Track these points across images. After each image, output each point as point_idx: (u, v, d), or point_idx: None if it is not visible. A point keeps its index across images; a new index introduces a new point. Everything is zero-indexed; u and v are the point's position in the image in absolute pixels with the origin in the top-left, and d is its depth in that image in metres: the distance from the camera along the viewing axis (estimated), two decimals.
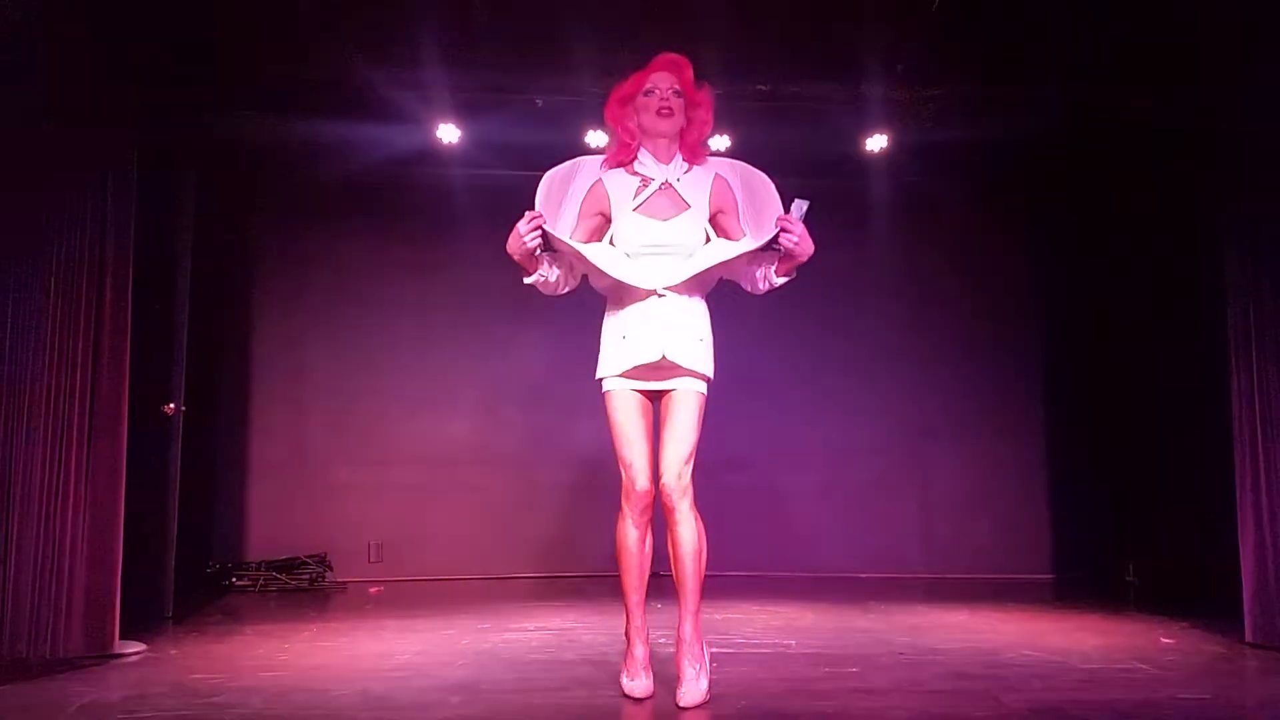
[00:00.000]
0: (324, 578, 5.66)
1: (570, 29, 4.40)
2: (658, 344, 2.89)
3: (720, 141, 5.07)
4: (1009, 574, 5.88)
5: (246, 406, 5.91)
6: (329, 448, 5.90)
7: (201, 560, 5.56)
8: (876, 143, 5.25)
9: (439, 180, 5.76)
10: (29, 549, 3.56)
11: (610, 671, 3.22)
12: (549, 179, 2.99)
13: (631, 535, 2.95)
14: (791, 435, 6.09)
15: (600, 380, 3.00)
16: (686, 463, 2.90)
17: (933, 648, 3.78)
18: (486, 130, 5.11)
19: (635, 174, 2.99)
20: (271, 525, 5.79)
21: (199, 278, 4.90)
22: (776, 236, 2.85)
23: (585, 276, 3.04)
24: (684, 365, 2.92)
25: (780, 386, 6.08)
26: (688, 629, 2.91)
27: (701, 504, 2.96)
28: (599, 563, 5.26)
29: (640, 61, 3.05)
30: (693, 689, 2.85)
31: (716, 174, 3.02)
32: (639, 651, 2.98)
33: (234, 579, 5.56)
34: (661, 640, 3.46)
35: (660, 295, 2.91)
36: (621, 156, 3.01)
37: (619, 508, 2.98)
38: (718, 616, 4.39)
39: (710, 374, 2.98)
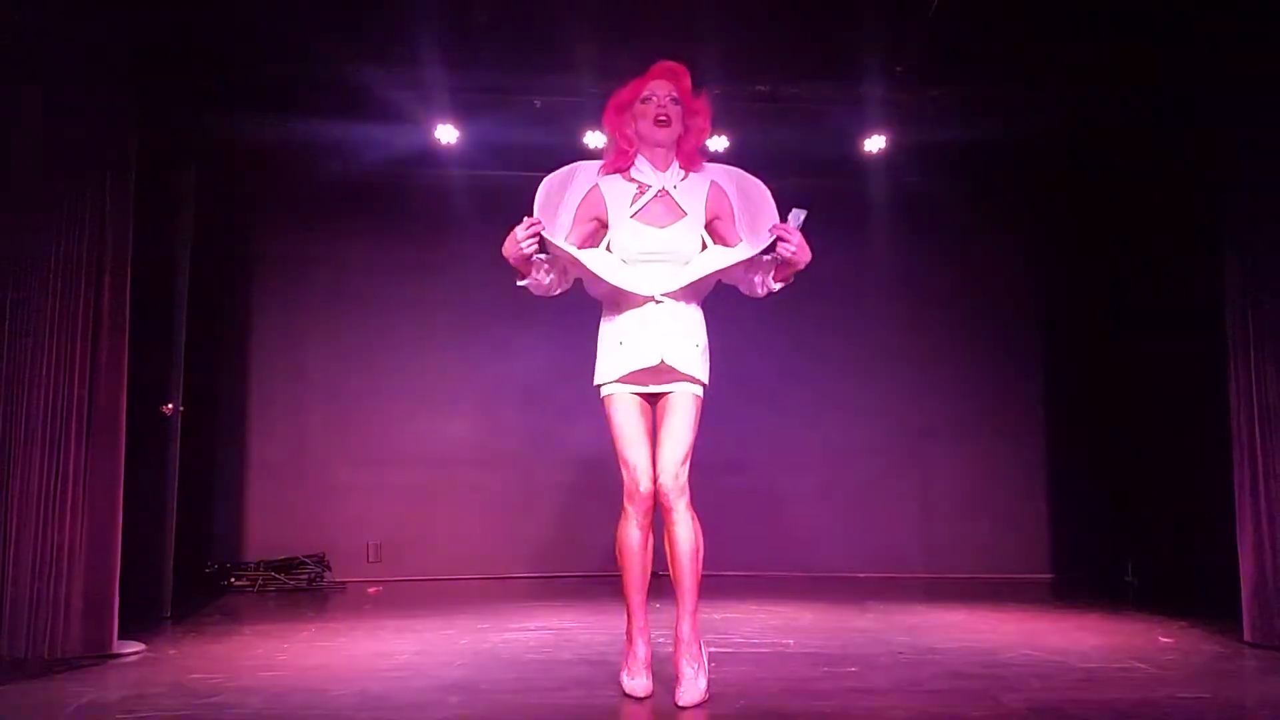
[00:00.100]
0: (323, 578, 5.66)
1: (569, 30, 4.40)
2: (656, 349, 2.91)
3: (719, 142, 5.07)
4: (1008, 574, 5.87)
5: (245, 406, 5.91)
6: (328, 448, 5.90)
7: (200, 560, 5.56)
8: (876, 143, 5.25)
9: (438, 181, 5.76)
10: (27, 549, 3.56)
11: (609, 671, 3.22)
12: (547, 184, 2.99)
13: (634, 536, 2.95)
14: (791, 435, 6.09)
15: (598, 386, 3.02)
16: (683, 463, 2.91)
17: (931, 647, 3.78)
18: (485, 131, 5.11)
19: (632, 181, 3.00)
20: (270, 525, 5.79)
21: (199, 278, 4.90)
22: (774, 245, 2.87)
23: (578, 279, 3.05)
24: (681, 370, 2.93)
25: (780, 387, 6.07)
26: (685, 628, 2.92)
27: (701, 504, 2.97)
28: (598, 563, 5.27)
29: (639, 63, 3.05)
30: (691, 688, 2.86)
31: (712, 181, 3.04)
32: (640, 651, 2.99)
33: (233, 579, 5.56)
34: (660, 640, 3.45)
35: (658, 302, 2.92)
36: (619, 163, 3.02)
37: (620, 509, 2.98)
38: (717, 616, 4.39)
39: (706, 379, 3.00)
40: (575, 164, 3.08)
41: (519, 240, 2.80)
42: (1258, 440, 3.83)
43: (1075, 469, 6.05)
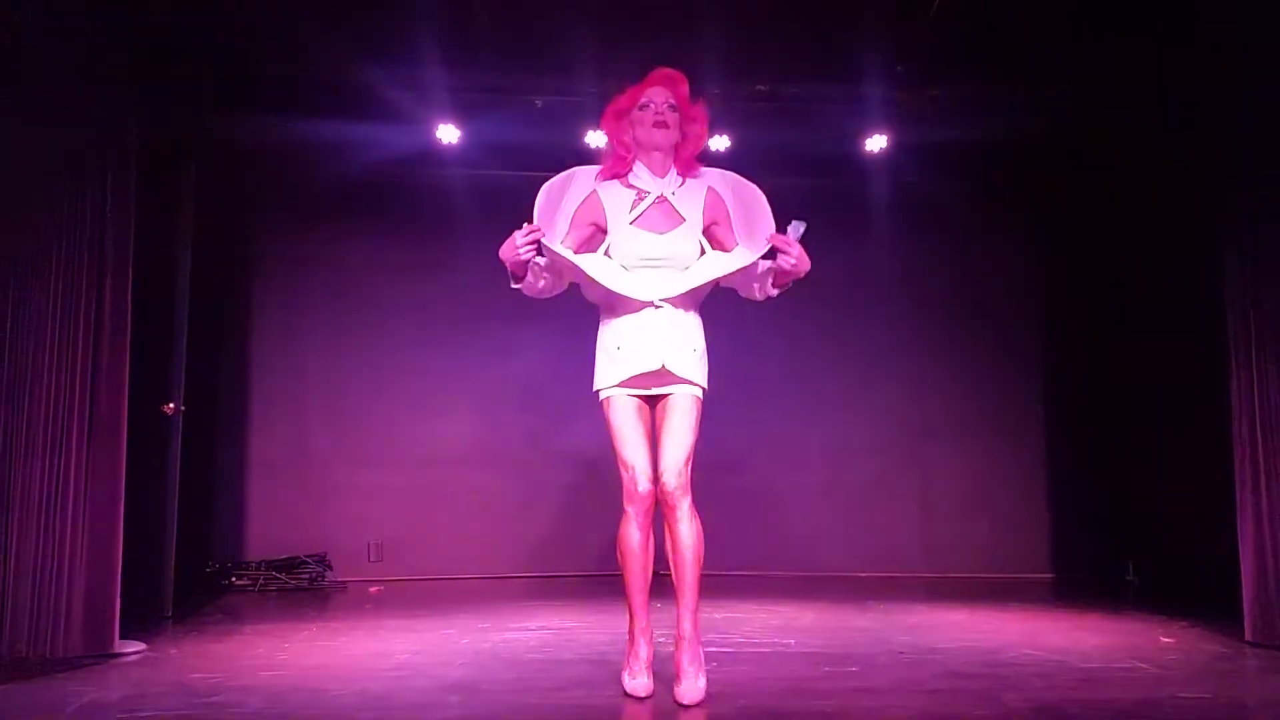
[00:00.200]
0: (323, 577, 5.66)
1: (570, 30, 4.40)
2: (657, 354, 2.93)
3: (720, 142, 5.07)
4: (1009, 573, 5.88)
5: (246, 406, 5.91)
6: (329, 447, 5.90)
7: (201, 560, 5.56)
8: (876, 143, 5.25)
9: (438, 180, 5.76)
10: (29, 549, 3.56)
11: (609, 671, 3.22)
12: (546, 190, 3.01)
13: (634, 536, 2.96)
14: (791, 435, 6.10)
15: (597, 391, 3.03)
16: (686, 463, 2.93)
17: (932, 647, 3.78)
18: (486, 131, 5.11)
19: (631, 187, 3.02)
20: (271, 525, 5.79)
21: (199, 278, 4.90)
22: (773, 253, 2.90)
23: (572, 283, 3.06)
24: (679, 375, 2.96)
25: (780, 386, 6.08)
26: (687, 626, 2.93)
27: (702, 504, 2.97)
28: (598, 563, 5.27)
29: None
30: (692, 687, 2.87)
31: (710, 187, 3.06)
32: (642, 651, 2.99)
33: (234, 578, 5.56)
34: (661, 640, 3.45)
35: (657, 307, 2.94)
36: (617, 169, 3.04)
37: (621, 509, 2.99)
38: (717, 616, 4.40)
39: (705, 383, 3.02)
40: (573, 169, 3.09)
41: (517, 246, 2.82)
42: (1259, 439, 3.83)
43: (1075, 469, 6.06)
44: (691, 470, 2.95)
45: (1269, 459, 3.80)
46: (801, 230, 2.87)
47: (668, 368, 2.93)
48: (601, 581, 5.12)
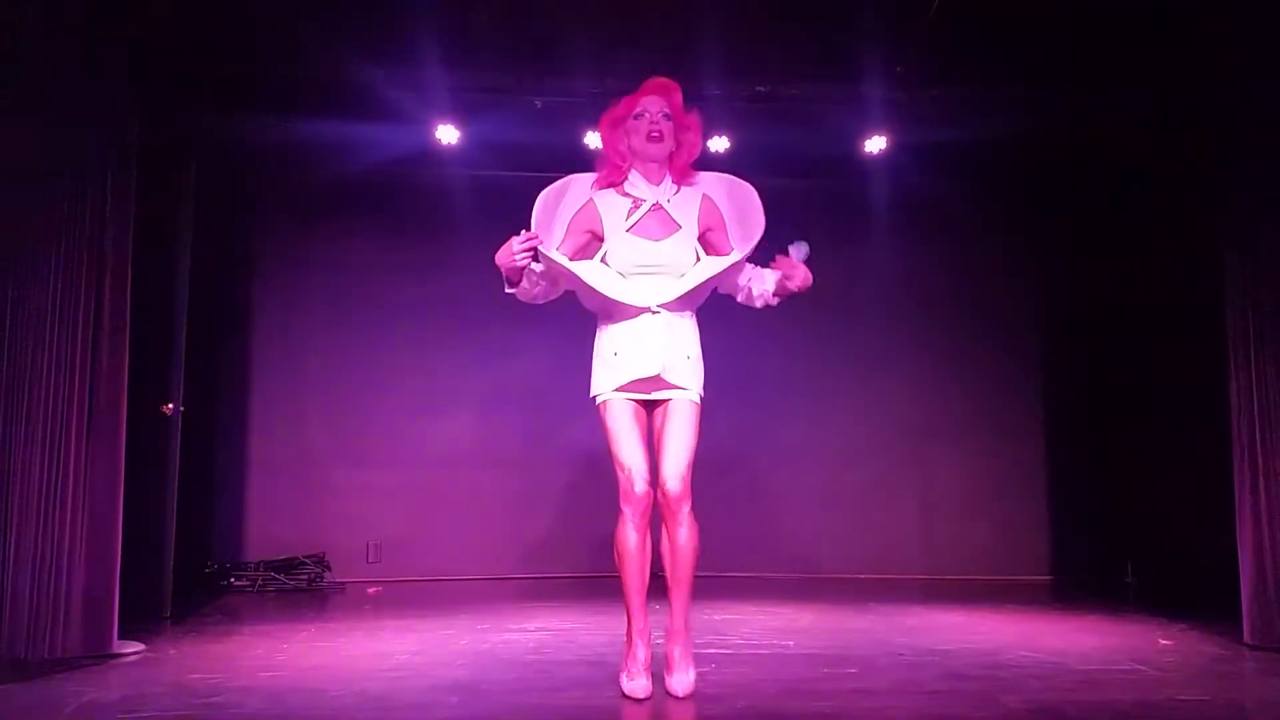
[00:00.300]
0: (322, 578, 5.66)
1: (570, 30, 4.40)
2: (655, 359, 2.96)
3: (720, 142, 5.07)
4: (1008, 575, 5.87)
5: (246, 406, 5.91)
6: (328, 448, 5.90)
7: (200, 560, 5.56)
8: (876, 144, 5.24)
9: (438, 180, 5.76)
10: (28, 549, 3.55)
11: (608, 672, 3.22)
12: (543, 198, 3.05)
13: (632, 538, 2.97)
14: (791, 436, 6.09)
15: (594, 397, 3.06)
16: (687, 469, 2.97)
17: (931, 649, 3.78)
18: (486, 131, 5.11)
19: (627, 195, 3.06)
20: (270, 525, 5.79)
21: (199, 278, 4.90)
22: (781, 270, 2.96)
23: (567, 289, 3.09)
24: (672, 381, 2.99)
25: (780, 387, 6.08)
26: (679, 619, 3.00)
27: (701, 504, 3.00)
28: (597, 563, 5.26)
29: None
30: (683, 679, 2.94)
31: (704, 194, 3.10)
32: (640, 653, 3.01)
33: (232, 579, 5.56)
34: (660, 641, 3.45)
35: (654, 312, 2.97)
36: (613, 178, 3.08)
37: (618, 511, 3.00)
38: (716, 617, 4.40)
39: (700, 389, 3.04)
40: (569, 177, 3.13)
41: (513, 252, 2.85)
42: (1258, 440, 3.82)
43: (1075, 469, 6.05)
44: (692, 471, 2.97)
45: (1269, 459, 3.79)
46: (805, 252, 2.94)
47: (664, 374, 2.96)
48: (601, 582, 5.11)
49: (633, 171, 3.07)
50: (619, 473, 2.97)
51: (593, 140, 4.92)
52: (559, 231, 3.04)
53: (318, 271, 5.99)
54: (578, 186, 3.10)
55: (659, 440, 3.01)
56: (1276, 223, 3.83)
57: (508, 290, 3.03)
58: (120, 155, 3.83)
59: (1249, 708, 3.12)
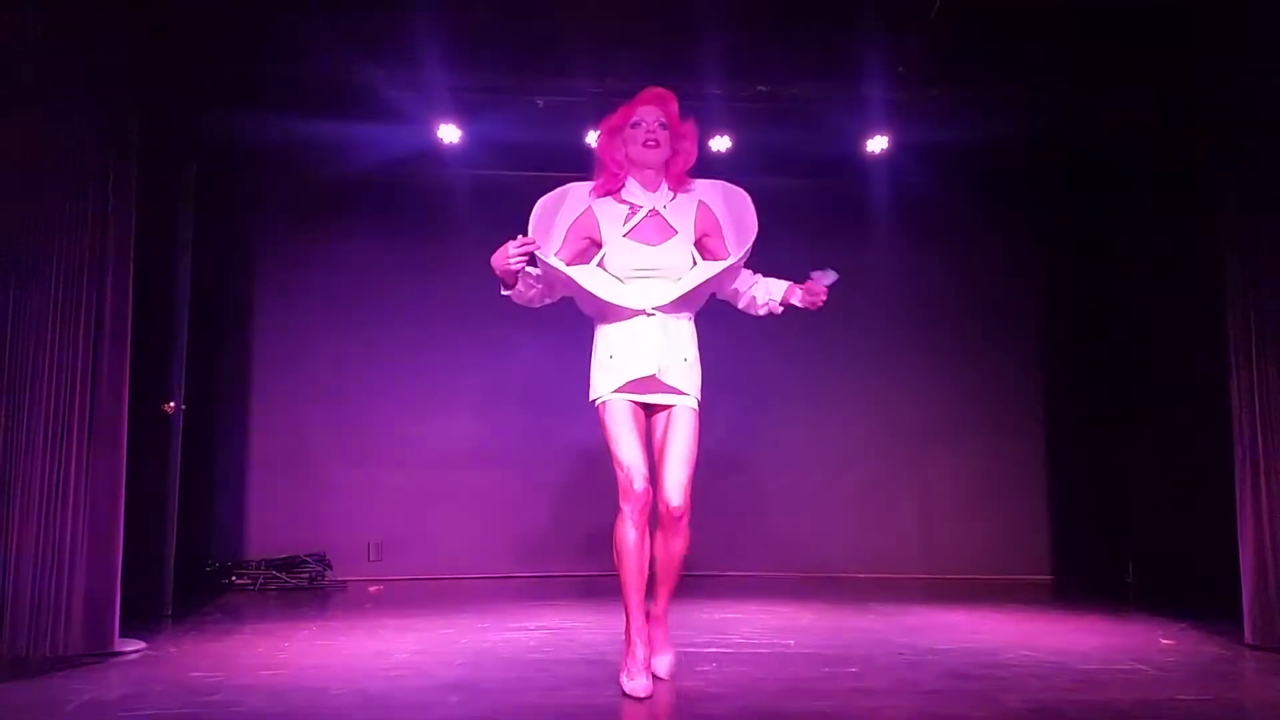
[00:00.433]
0: (323, 576, 5.66)
1: (570, 30, 4.40)
2: (651, 360, 2.99)
3: (721, 143, 5.07)
4: (1008, 574, 5.87)
5: (246, 405, 5.91)
6: (328, 447, 5.90)
7: (201, 559, 5.56)
8: (877, 144, 5.24)
9: (439, 180, 5.76)
10: (29, 547, 3.56)
11: (608, 671, 3.22)
12: (541, 205, 3.09)
13: (631, 536, 2.99)
14: (791, 435, 6.09)
15: (593, 400, 3.10)
16: (688, 482, 3.01)
17: (931, 648, 3.78)
18: (487, 130, 5.11)
19: (624, 202, 3.11)
20: (271, 524, 5.79)
21: (199, 277, 4.90)
22: (806, 288, 3.14)
23: (564, 294, 3.13)
24: (669, 384, 3.02)
25: (780, 387, 6.08)
26: (661, 607, 3.13)
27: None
28: (597, 562, 5.26)
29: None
30: (664, 659, 3.10)
31: (700, 200, 3.15)
32: (640, 652, 3.02)
33: (233, 577, 5.56)
34: None
35: (650, 315, 3.01)
36: (610, 185, 3.13)
37: (617, 509, 3.01)
38: (717, 616, 4.41)
39: (697, 392, 3.08)
40: (567, 185, 3.17)
41: (509, 255, 2.88)
42: (1259, 440, 3.83)
43: (1075, 469, 6.05)
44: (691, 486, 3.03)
45: (1270, 458, 3.80)
46: (832, 278, 3.10)
47: (660, 375, 2.99)
48: (600, 582, 5.12)
49: (630, 179, 3.12)
50: (618, 471, 2.99)
51: (594, 140, 4.92)
52: (557, 237, 3.09)
53: (318, 271, 5.99)
54: (576, 194, 3.15)
55: (659, 451, 3.05)
56: (1276, 223, 3.83)
57: (503, 292, 3.07)
58: (121, 155, 3.82)
59: (1249, 708, 3.12)
